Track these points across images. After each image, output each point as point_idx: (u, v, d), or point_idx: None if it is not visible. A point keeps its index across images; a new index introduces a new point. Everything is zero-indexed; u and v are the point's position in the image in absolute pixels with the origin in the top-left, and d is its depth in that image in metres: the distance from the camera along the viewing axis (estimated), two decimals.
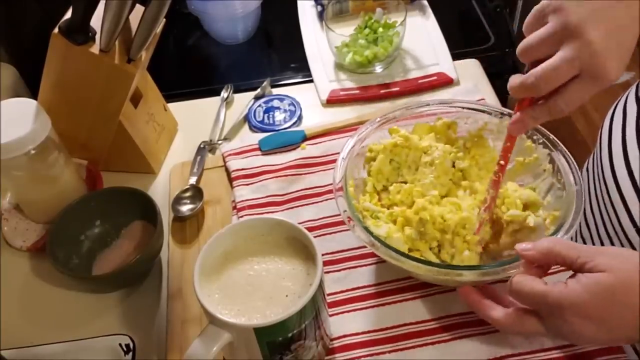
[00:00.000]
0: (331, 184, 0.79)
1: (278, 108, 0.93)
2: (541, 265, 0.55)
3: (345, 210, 0.63)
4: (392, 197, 0.69)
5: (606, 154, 0.76)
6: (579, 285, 0.49)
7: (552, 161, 0.67)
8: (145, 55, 0.76)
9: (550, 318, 0.51)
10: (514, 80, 0.58)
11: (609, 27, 0.53)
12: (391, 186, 0.70)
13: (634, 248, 0.71)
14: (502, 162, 0.63)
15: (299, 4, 1.13)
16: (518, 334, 0.59)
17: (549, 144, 0.67)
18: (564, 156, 0.66)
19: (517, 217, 0.63)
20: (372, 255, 0.71)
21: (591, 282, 0.49)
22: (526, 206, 0.66)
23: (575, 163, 0.65)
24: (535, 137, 0.69)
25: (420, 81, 0.95)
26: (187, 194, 0.80)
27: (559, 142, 0.67)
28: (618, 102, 0.79)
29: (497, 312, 0.56)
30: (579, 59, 0.53)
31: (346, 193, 0.64)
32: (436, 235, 0.63)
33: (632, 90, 0.76)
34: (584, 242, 0.83)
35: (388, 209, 0.68)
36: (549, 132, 0.69)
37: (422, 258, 0.61)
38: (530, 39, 0.56)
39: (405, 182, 0.70)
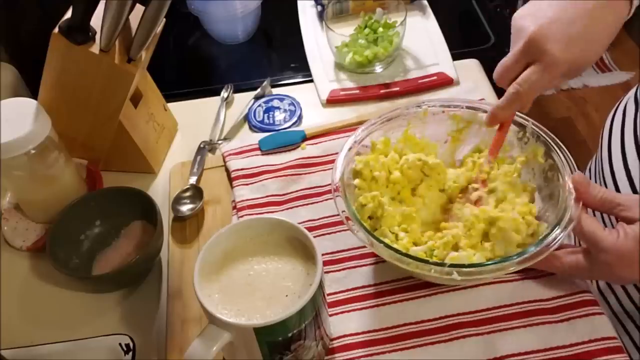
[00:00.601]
0: (331, 184, 0.79)
1: (278, 108, 0.93)
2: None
3: (343, 211, 0.63)
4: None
5: (606, 156, 0.76)
6: (626, 238, 0.57)
7: (550, 159, 0.67)
8: (145, 55, 0.76)
9: (597, 257, 0.59)
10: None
11: (547, 17, 0.61)
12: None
13: None
14: (490, 158, 0.69)
15: (299, 3, 1.13)
16: (563, 266, 0.63)
17: (549, 142, 0.67)
18: (563, 154, 0.66)
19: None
20: (372, 255, 0.71)
21: (635, 232, 0.57)
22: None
23: (573, 161, 0.65)
24: (534, 134, 0.69)
25: (420, 81, 0.95)
26: (187, 194, 0.80)
27: (557, 140, 0.67)
28: (618, 104, 0.79)
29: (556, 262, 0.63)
30: (522, 50, 0.62)
31: (344, 193, 0.64)
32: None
33: (633, 92, 0.76)
34: None
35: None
36: (548, 131, 0.69)
37: (422, 257, 0.60)
38: (500, 63, 0.65)
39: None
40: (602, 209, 0.62)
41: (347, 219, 0.62)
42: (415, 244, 0.65)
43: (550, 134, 0.68)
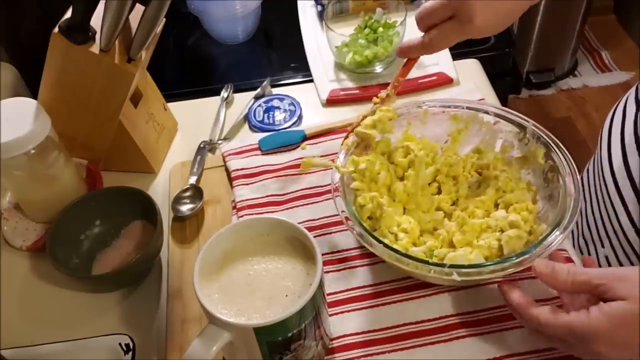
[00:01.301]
0: (330, 184, 0.79)
1: (278, 108, 0.93)
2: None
3: (343, 211, 0.63)
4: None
5: (606, 156, 0.76)
6: (601, 314, 0.50)
7: (550, 160, 0.67)
8: (145, 55, 0.76)
9: (577, 346, 0.53)
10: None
11: None
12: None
13: (633, 249, 0.71)
14: (396, 84, 0.71)
15: (299, 3, 1.13)
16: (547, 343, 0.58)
17: (549, 143, 0.67)
18: (563, 155, 0.66)
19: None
20: (372, 255, 0.70)
21: (613, 310, 0.50)
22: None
23: (573, 162, 0.65)
24: (534, 135, 0.69)
25: (420, 81, 0.95)
26: (187, 194, 0.80)
27: (557, 141, 0.68)
28: (618, 103, 0.79)
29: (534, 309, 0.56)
30: (450, 2, 0.63)
31: (344, 193, 0.64)
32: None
33: (632, 92, 0.76)
34: (585, 243, 0.83)
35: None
36: (548, 132, 0.69)
37: (421, 258, 0.61)
38: (425, 5, 0.65)
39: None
40: (582, 292, 0.55)
41: (347, 219, 0.62)
42: (415, 245, 0.65)
43: (551, 135, 0.68)
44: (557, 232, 0.59)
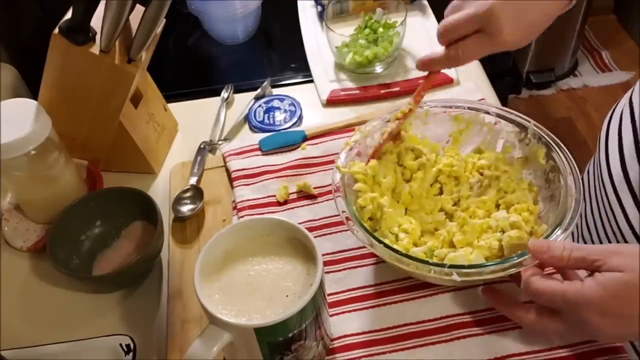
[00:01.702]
0: (331, 184, 0.79)
1: (278, 108, 0.93)
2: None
3: (344, 211, 0.63)
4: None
5: (604, 159, 0.76)
6: (596, 283, 0.50)
7: (551, 160, 0.67)
8: (145, 56, 0.76)
9: (569, 315, 0.53)
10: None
11: None
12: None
13: None
14: (418, 98, 0.70)
15: (299, 4, 1.13)
16: (541, 334, 0.59)
17: (550, 143, 0.67)
18: (564, 156, 0.66)
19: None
20: (373, 255, 0.71)
21: (608, 280, 0.50)
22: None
23: (574, 163, 0.65)
24: (535, 135, 0.69)
25: (420, 81, 0.94)
26: (188, 194, 0.80)
27: (558, 141, 0.67)
28: (617, 104, 0.79)
29: (521, 311, 0.58)
30: (477, 15, 0.61)
31: (345, 194, 0.64)
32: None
33: (629, 94, 0.76)
34: (585, 243, 0.83)
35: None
36: (549, 132, 0.69)
37: (422, 258, 0.61)
38: (448, 20, 0.63)
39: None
40: (578, 267, 0.55)
41: (347, 219, 0.62)
42: (416, 245, 0.65)
43: (552, 135, 0.68)
44: (558, 233, 0.59)
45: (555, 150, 0.67)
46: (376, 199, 0.66)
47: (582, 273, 0.55)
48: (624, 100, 0.77)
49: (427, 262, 0.59)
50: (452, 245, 0.65)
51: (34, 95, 0.87)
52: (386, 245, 0.60)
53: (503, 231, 0.64)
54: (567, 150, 0.66)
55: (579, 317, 0.51)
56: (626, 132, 0.72)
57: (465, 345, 0.62)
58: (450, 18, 0.64)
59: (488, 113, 0.72)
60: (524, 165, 0.70)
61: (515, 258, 0.58)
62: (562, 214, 0.61)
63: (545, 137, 0.68)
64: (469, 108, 0.73)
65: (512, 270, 0.57)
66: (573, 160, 0.65)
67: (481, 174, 0.72)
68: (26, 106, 0.71)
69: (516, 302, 0.59)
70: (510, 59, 1.21)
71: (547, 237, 0.59)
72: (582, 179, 0.84)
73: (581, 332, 0.54)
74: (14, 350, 0.64)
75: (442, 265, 0.58)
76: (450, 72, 0.95)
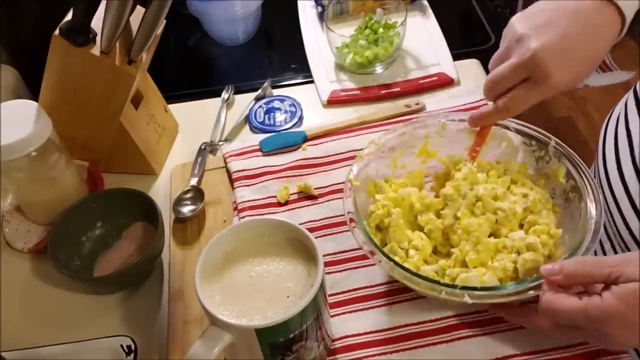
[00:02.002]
0: (332, 185, 0.79)
1: (279, 109, 0.93)
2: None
3: (354, 226, 0.62)
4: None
5: (601, 159, 0.76)
6: (614, 297, 0.50)
7: (572, 179, 0.65)
8: (145, 57, 0.76)
9: (591, 330, 0.52)
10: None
11: (552, 38, 0.59)
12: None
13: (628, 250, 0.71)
14: (474, 154, 0.68)
15: (300, 4, 1.13)
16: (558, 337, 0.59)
17: (571, 161, 0.65)
18: (585, 176, 0.64)
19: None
20: None
21: (625, 292, 0.50)
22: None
23: (595, 183, 0.63)
24: (556, 154, 0.67)
25: (421, 81, 0.95)
26: (188, 195, 0.80)
27: (579, 160, 0.65)
28: (616, 106, 0.79)
29: (539, 318, 0.57)
30: (522, 64, 0.60)
31: (361, 224, 0.63)
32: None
33: (630, 95, 0.75)
34: None
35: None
36: (571, 150, 0.66)
37: (433, 278, 0.59)
38: (494, 74, 0.63)
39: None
40: (594, 282, 0.54)
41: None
42: (427, 263, 0.64)
43: (573, 153, 0.66)
44: (580, 254, 0.57)
45: (577, 169, 0.64)
46: (387, 206, 0.64)
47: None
48: (620, 105, 0.76)
49: (438, 282, 0.58)
50: (464, 264, 0.63)
51: (34, 96, 0.87)
52: (396, 263, 0.59)
53: (519, 252, 0.61)
54: (587, 170, 0.64)
55: (602, 331, 0.51)
56: (621, 131, 0.72)
57: (466, 345, 0.62)
58: (496, 71, 0.62)
59: (508, 128, 0.70)
60: (547, 182, 0.68)
61: (530, 282, 0.56)
62: (580, 237, 0.59)
63: (567, 155, 0.66)
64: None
65: (527, 295, 0.55)
66: (594, 180, 0.63)
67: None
68: (27, 107, 0.71)
69: (529, 309, 0.58)
70: None
71: (565, 260, 0.57)
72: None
73: (603, 343, 0.54)
74: (14, 351, 0.64)
75: (454, 287, 0.57)
76: (450, 73, 0.95)
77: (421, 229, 0.67)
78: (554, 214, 0.66)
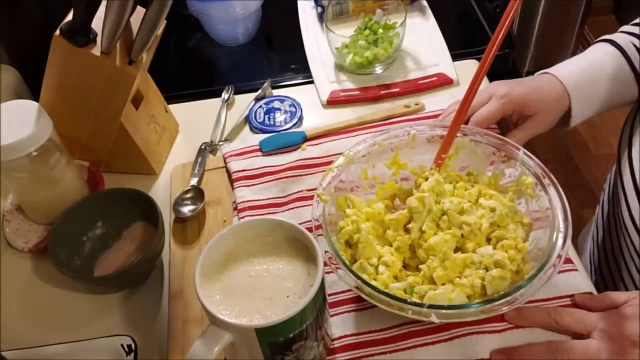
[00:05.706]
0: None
1: (279, 109, 0.94)
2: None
3: (326, 251, 0.60)
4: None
5: (617, 171, 0.76)
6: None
7: (540, 191, 0.64)
8: (146, 57, 0.76)
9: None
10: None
11: (524, 88, 0.76)
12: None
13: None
14: (438, 162, 0.70)
15: (299, 5, 1.14)
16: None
17: (540, 173, 0.65)
18: (554, 187, 0.63)
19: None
20: None
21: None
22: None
23: (564, 195, 0.62)
24: (525, 164, 0.66)
25: (420, 82, 0.95)
26: (188, 195, 0.81)
27: (548, 171, 0.65)
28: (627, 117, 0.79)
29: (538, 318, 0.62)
30: (512, 104, 0.74)
31: (326, 232, 0.62)
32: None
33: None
34: (600, 263, 0.83)
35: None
36: (539, 161, 0.66)
37: (399, 296, 0.57)
38: (481, 114, 0.74)
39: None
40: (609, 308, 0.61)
41: (330, 259, 0.60)
42: (396, 279, 0.63)
43: (541, 164, 0.65)
44: (545, 271, 0.57)
45: (545, 181, 0.63)
46: (356, 221, 0.63)
47: None
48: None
49: (405, 301, 0.56)
50: (433, 281, 0.62)
51: (35, 96, 0.88)
52: (364, 282, 0.58)
53: (487, 269, 0.61)
54: (557, 182, 0.63)
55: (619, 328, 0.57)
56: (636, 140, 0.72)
57: (465, 344, 0.62)
58: (482, 112, 0.74)
59: (478, 139, 0.69)
60: (516, 194, 0.67)
61: (497, 300, 0.56)
62: (549, 252, 0.58)
63: (534, 166, 0.65)
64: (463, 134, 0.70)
65: (494, 313, 0.55)
66: (563, 192, 0.62)
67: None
68: (27, 108, 0.71)
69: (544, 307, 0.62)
70: (510, 59, 1.20)
71: (532, 276, 0.57)
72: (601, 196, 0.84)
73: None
74: (15, 350, 0.64)
75: (421, 305, 0.56)
76: (450, 73, 0.95)
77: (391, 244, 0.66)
78: (522, 227, 0.64)
